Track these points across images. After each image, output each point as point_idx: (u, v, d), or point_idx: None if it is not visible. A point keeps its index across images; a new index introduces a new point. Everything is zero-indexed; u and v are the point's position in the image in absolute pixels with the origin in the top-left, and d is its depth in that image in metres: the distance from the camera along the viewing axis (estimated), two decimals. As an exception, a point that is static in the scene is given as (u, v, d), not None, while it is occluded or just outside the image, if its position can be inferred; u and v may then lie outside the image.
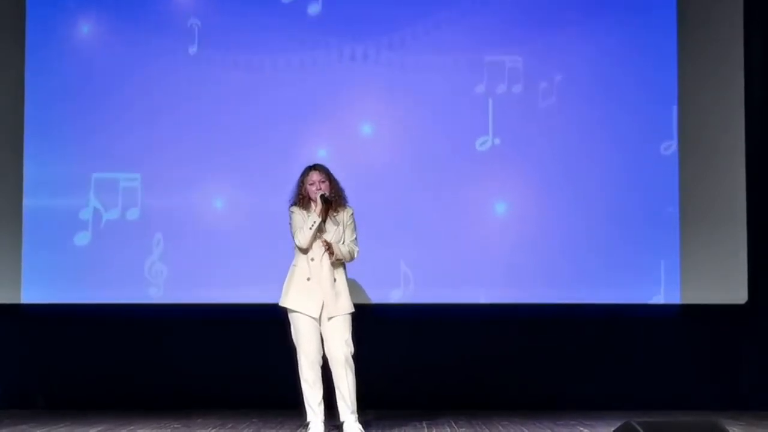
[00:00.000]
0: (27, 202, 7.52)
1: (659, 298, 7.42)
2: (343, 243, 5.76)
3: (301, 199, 5.78)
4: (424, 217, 7.44)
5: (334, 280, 5.74)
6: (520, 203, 7.48)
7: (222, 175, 7.51)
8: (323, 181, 5.76)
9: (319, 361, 5.72)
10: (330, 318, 5.70)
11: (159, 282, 7.48)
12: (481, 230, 7.45)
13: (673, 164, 7.48)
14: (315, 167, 5.83)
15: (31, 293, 7.48)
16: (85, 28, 7.59)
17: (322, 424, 5.72)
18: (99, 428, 6.31)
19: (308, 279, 5.72)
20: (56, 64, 7.56)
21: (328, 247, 5.68)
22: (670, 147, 7.47)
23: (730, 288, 7.43)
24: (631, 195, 7.47)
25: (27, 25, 7.58)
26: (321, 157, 7.11)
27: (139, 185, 7.49)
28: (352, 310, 5.76)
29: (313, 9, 7.57)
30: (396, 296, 7.35)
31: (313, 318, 5.70)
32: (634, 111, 7.51)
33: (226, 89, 7.55)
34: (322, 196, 5.69)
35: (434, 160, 7.48)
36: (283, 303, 5.77)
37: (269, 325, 7.24)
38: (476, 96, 7.51)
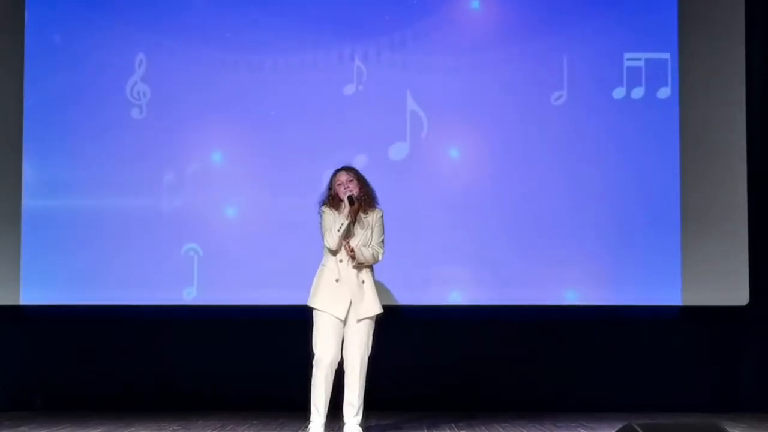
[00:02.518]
0: (26, 203, 7.51)
1: (660, 300, 7.40)
2: (368, 245, 5.75)
3: (332, 200, 5.78)
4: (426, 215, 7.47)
5: (362, 281, 5.74)
6: (517, 206, 7.49)
7: (221, 176, 7.51)
8: (351, 181, 5.76)
9: (334, 366, 5.70)
10: (358, 320, 5.70)
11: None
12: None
13: (674, 164, 7.47)
14: (344, 168, 5.85)
15: (31, 294, 7.48)
16: (85, 31, 7.55)
17: (323, 427, 5.70)
18: (99, 429, 6.30)
19: (337, 280, 5.71)
20: (56, 66, 7.54)
21: (352, 252, 5.67)
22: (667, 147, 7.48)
23: (731, 289, 7.41)
24: (631, 196, 7.46)
25: (26, 28, 7.56)
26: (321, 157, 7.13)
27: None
28: (380, 311, 5.75)
29: (314, 9, 7.56)
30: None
31: (339, 319, 5.69)
32: (635, 112, 7.49)
33: (226, 89, 7.53)
34: (349, 197, 5.68)
35: (442, 165, 7.49)
36: (312, 303, 5.75)
37: (270, 327, 7.29)
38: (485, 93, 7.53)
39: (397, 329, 7.39)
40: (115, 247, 7.46)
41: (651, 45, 7.51)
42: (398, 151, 7.48)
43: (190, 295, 7.42)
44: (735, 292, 7.41)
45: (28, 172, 7.53)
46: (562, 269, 7.41)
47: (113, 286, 7.44)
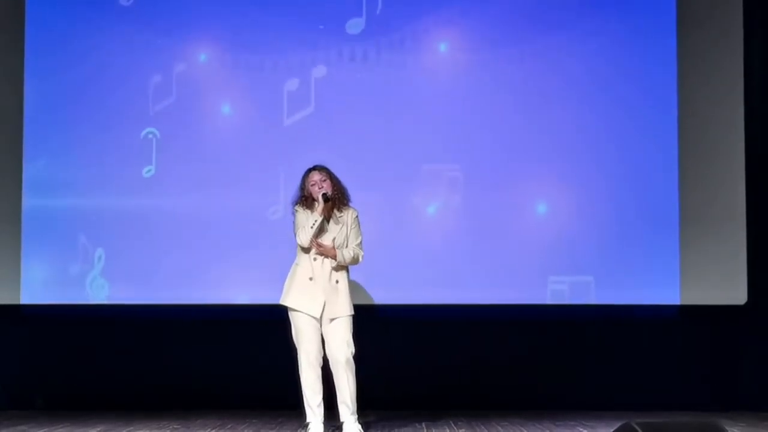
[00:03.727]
0: (26, 202, 7.52)
1: (659, 299, 7.41)
2: (347, 246, 5.76)
3: (304, 200, 5.79)
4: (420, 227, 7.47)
5: (336, 281, 5.74)
6: (516, 207, 7.50)
7: (221, 175, 7.52)
8: (324, 180, 5.77)
9: (319, 362, 5.73)
10: (331, 320, 5.70)
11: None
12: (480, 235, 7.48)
13: (673, 164, 7.47)
14: (316, 168, 5.85)
15: (31, 294, 7.48)
16: (85, 31, 7.57)
17: (322, 425, 5.72)
18: (99, 429, 6.31)
19: (310, 279, 5.72)
20: (56, 66, 7.56)
21: (321, 249, 5.67)
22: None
23: (730, 288, 7.42)
24: (630, 196, 7.46)
25: (26, 27, 7.57)
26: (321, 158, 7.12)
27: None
28: (352, 312, 5.75)
29: (313, 9, 7.57)
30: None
31: (314, 318, 5.70)
32: (634, 112, 7.49)
33: (226, 89, 7.54)
34: (323, 195, 5.70)
35: (443, 182, 7.50)
36: (284, 301, 5.77)
37: (269, 326, 7.24)
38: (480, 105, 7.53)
39: (398, 328, 7.43)
40: (115, 247, 7.47)
41: (651, 46, 7.51)
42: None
43: (191, 295, 7.41)
44: (734, 291, 7.41)
45: (28, 171, 7.54)
46: (560, 269, 7.41)
47: (114, 286, 7.45)
